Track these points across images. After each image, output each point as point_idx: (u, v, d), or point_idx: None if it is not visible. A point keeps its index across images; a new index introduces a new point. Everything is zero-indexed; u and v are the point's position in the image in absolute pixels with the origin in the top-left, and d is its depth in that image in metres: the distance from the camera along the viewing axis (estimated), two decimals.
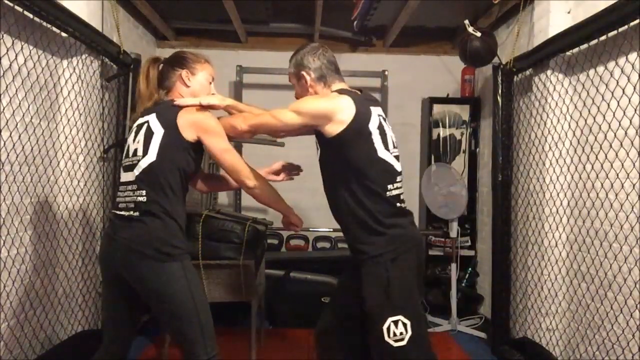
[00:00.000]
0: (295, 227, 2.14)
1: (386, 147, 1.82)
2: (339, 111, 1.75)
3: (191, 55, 2.02)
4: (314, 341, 2.07)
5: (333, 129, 1.76)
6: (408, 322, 1.71)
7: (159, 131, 1.83)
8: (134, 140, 1.89)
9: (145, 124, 1.88)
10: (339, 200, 1.84)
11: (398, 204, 1.84)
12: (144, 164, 1.82)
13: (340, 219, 1.91)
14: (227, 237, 2.78)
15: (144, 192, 1.81)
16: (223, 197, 4.54)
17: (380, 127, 1.82)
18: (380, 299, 1.74)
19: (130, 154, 1.89)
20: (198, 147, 1.88)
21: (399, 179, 1.86)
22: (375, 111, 1.84)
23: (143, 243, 1.79)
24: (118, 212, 1.87)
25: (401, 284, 1.75)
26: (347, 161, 1.78)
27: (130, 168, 1.87)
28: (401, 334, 1.70)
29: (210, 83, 2.03)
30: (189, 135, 1.83)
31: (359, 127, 1.76)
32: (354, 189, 1.79)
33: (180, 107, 1.87)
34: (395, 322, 1.71)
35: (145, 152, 1.83)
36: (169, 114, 1.86)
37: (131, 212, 1.82)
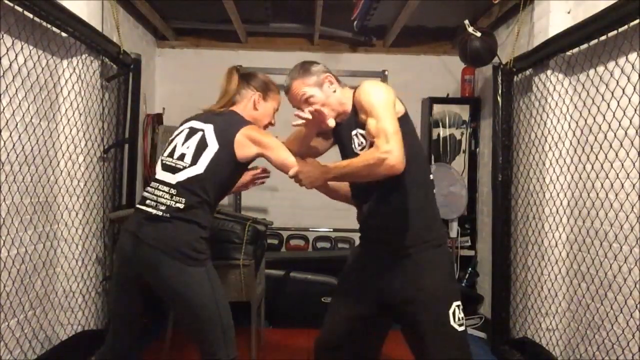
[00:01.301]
0: None
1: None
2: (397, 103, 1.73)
3: (270, 81, 2.10)
4: (314, 355, 1.99)
5: (399, 109, 1.72)
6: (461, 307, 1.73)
7: (213, 146, 1.85)
8: (183, 143, 1.90)
9: (200, 132, 1.89)
10: (396, 185, 1.72)
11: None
12: (190, 173, 1.84)
13: (395, 213, 1.76)
14: (227, 237, 2.79)
15: (183, 200, 1.82)
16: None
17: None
18: (445, 283, 1.75)
19: (176, 155, 1.89)
20: (244, 165, 1.93)
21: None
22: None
23: (170, 245, 1.79)
24: (145, 209, 1.86)
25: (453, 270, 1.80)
26: (409, 143, 1.67)
27: (171, 170, 1.87)
28: (463, 318, 1.73)
29: (274, 114, 2.10)
30: (245, 151, 1.86)
31: (406, 117, 1.77)
32: (415, 170, 1.73)
33: (243, 125, 1.90)
34: (459, 307, 1.73)
35: (194, 162, 1.84)
36: (227, 130, 1.88)
37: (161, 213, 1.82)
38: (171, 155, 1.90)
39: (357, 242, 4.86)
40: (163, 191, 1.85)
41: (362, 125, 1.75)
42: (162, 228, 1.81)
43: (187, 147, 1.88)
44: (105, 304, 3.05)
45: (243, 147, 1.86)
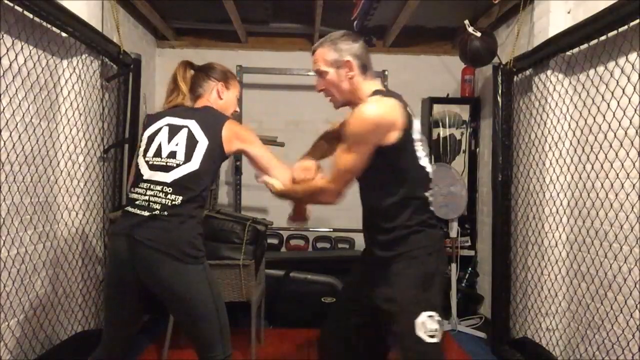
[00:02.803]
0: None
1: (424, 155, 1.80)
2: (398, 117, 1.67)
3: (227, 69, 2.12)
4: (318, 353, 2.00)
5: (390, 139, 1.67)
6: (440, 319, 1.68)
7: (203, 141, 1.87)
8: (168, 141, 1.88)
9: (185, 129, 1.89)
10: (380, 203, 1.77)
11: (432, 208, 1.83)
12: (185, 170, 1.83)
13: (378, 221, 1.80)
14: (227, 237, 2.79)
15: (179, 198, 1.81)
16: (223, 197, 4.54)
17: (420, 134, 1.79)
18: (414, 293, 1.70)
19: (165, 154, 1.87)
20: (225, 158, 1.97)
21: (432, 186, 1.84)
22: (415, 118, 1.78)
23: (169, 244, 1.78)
24: (137, 211, 1.83)
25: (438, 281, 1.76)
26: (397, 166, 1.72)
27: (163, 169, 1.85)
28: (435, 330, 1.66)
29: (237, 101, 2.14)
30: (230, 146, 1.90)
31: (408, 133, 1.71)
32: (400, 191, 1.74)
33: (225, 119, 1.93)
34: (430, 317, 1.67)
35: (188, 159, 1.84)
36: (212, 125, 1.90)
37: (157, 212, 1.80)
38: (158, 154, 1.88)
39: (358, 242, 4.86)
40: (156, 190, 1.83)
41: None
42: (160, 228, 1.79)
43: (176, 145, 1.86)
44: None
45: (229, 141, 1.89)
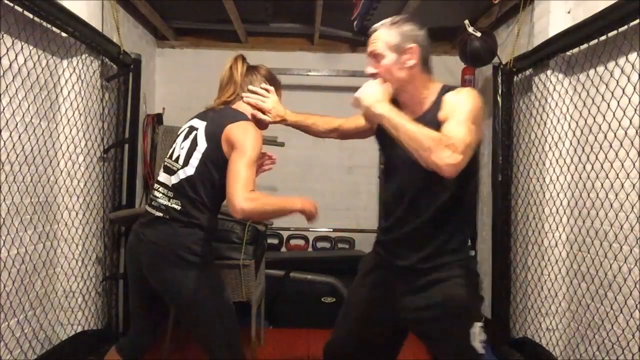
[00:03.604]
0: (312, 214, 1.84)
1: None
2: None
3: (275, 75, 2.05)
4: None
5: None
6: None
7: (202, 145, 1.81)
8: (181, 144, 1.88)
9: (195, 132, 1.86)
10: (440, 205, 1.60)
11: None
12: (182, 174, 1.82)
13: (430, 229, 1.63)
14: (227, 237, 2.78)
15: (179, 203, 1.81)
16: None
17: None
18: (470, 303, 1.61)
19: (174, 156, 1.88)
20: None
21: None
22: None
23: (167, 248, 1.79)
24: (150, 210, 1.88)
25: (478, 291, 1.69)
26: (471, 167, 1.53)
27: (169, 171, 1.87)
28: (485, 340, 1.60)
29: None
30: (228, 150, 1.77)
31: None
32: (464, 192, 1.61)
33: (233, 119, 1.81)
34: (482, 327, 1.59)
35: (185, 164, 1.82)
36: (216, 127, 1.82)
37: (162, 214, 1.83)
38: (170, 156, 1.90)
39: (357, 242, 4.82)
40: (162, 193, 1.86)
41: (436, 124, 1.50)
42: (162, 230, 1.82)
43: (182, 148, 1.86)
44: (105, 304, 3.05)
45: (226, 144, 1.77)
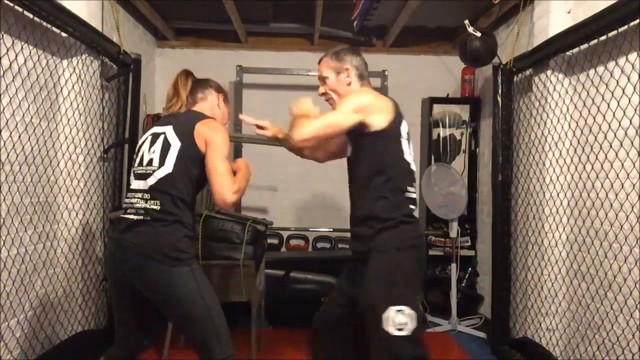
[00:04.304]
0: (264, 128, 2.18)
1: (409, 152, 1.94)
2: (389, 108, 1.89)
3: (224, 88, 2.22)
4: (312, 331, 2.14)
5: (378, 122, 1.84)
6: (412, 313, 1.73)
7: (175, 144, 1.90)
8: (149, 150, 1.94)
9: (162, 135, 1.94)
10: (363, 193, 1.89)
11: (412, 206, 1.92)
12: (159, 174, 1.87)
13: (360, 212, 1.92)
14: (227, 237, 2.78)
15: (158, 202, 1.85)
16: None
17: (408, 134, 1.97)
18: (384, 287, 1.77)
19: (145, 162, 1.93)
20: (203, 157, 1.94)
21: (415, 183, 1.96)
22: (405, 119, 1.98)
23: (152, 248, 1.82)
24: (125, 216, 1.91)
25: (409, 277, 1.81)
26: (380, 156, 1.86)
27: (143, 177, 1.91)
28: (405, 323, 1.72)
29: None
30: (202, 145, 1.90)
31: (396, 127, 1.89)
32: (381, 184, 1.86)
33: (200, 118, 1.96)
34: (400, 312, 1.72)
35: (161, 164, 1.88)
36: (185, 126, 1.93)
37: (142, 217, 1.85)
38: (140, 163, 1.95)
39: None
40: (139, 197, 1.90)
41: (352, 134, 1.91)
42: (144, 232, 1.84)
43: (153, 152, 1.92)
44: (105, 304, 3.05)
45: (200, 140, 1.89)
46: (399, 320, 1.71)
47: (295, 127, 1.81)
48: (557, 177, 2.80)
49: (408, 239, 1.85)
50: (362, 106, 1.84)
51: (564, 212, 2.78)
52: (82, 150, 2.78)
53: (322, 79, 2.04)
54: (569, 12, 2.82)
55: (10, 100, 2.23)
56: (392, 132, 1.87)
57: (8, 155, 2.23)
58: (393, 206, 1.84)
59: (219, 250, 2.74)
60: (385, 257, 1.81)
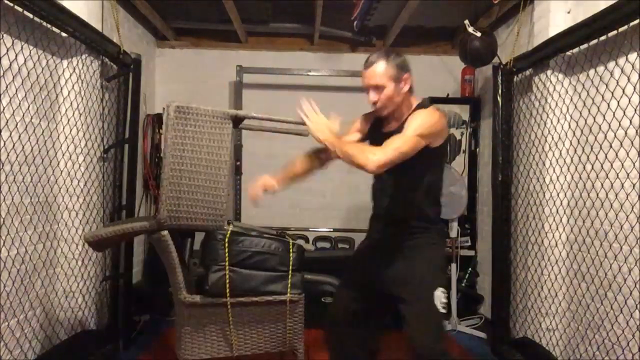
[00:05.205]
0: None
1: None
2: (446, 127, 2.03)
3: None
4: (327, 332, 2.21)
5: (438, 142, 1.97)
6: (447, 295, 1.99)
7: None
8: None
9: None
10: (414, 194, 2.04)
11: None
12: None
13: (410, 210, 2.08)
14: (266, 263, 2.12)
15: None
16: None
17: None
18: (433, 272, 2.01)
19: None
20: None
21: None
22: None
23: None
24: None
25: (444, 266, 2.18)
26: (434, 167, 2.06)
27: None
28: (446, 303, 1.96)
29: None
30: None
31: (446, 142, 2.09)
32: (432, 188, 2.07)
33: None
34: (443, 292, 1.96)
35: None
36: None
37: None
38: None
39: (357, 242, 4.83)
40: None
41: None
42: None
43: None
44: (105, 304, 3.05)
45: None
46: (443, 299, 1.95)
47: (358, 151, 1.82)
48: (557, 177, 2.80)
49: (443, 237, 2.23)
50: (431, 132, 1.89)
51: (564, 212, 2.78)
52: (82, 150, 2.78)
53: (377, 87, 1.94)
54: (569, 12, 2.82)
55: (10, 100, 2.23)
56: (444, 146, 2.05)
57: (8, 155, 2.23)
58: (438, 208, 2.12)
59: (255, 280, 2.08)
60: (433, 249, 2.05)
